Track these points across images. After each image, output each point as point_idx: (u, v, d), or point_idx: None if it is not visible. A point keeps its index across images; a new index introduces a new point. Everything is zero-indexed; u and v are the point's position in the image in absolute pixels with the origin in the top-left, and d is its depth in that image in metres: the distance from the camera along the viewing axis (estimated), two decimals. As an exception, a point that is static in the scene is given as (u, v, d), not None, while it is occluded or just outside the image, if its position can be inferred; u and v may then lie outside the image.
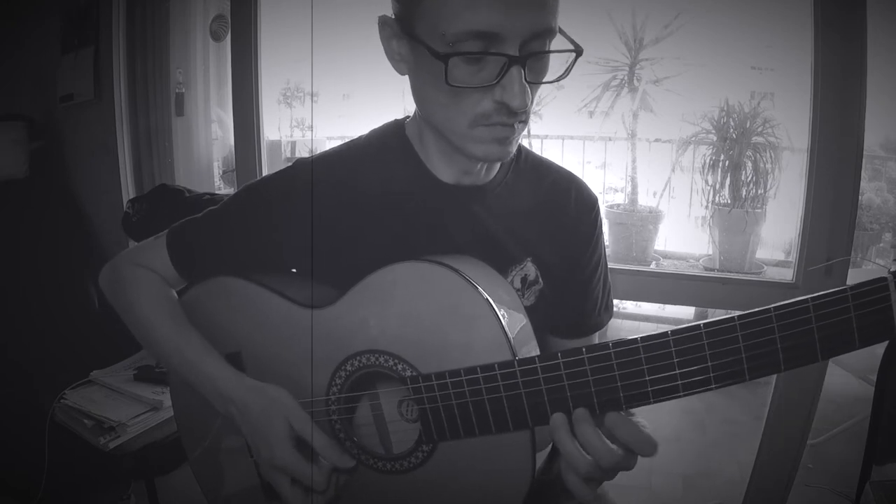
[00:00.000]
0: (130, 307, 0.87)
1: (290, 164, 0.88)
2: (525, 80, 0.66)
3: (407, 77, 0.76)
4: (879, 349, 1.34)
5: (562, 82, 0.73)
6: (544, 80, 0.71)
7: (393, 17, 0.72)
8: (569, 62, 0.70)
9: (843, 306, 0.55)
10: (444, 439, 0.72)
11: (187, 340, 0.83)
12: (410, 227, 0.82)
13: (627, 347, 0.62)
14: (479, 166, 0.82)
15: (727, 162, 2.88)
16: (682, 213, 3.23)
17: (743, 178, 2.87)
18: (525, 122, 0.72)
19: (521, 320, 0.75)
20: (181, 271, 0.88)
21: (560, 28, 0.68)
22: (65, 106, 2.33)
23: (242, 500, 0.89)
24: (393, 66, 0.75)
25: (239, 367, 0.84)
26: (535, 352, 0.75)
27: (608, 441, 0.61)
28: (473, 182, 0.83)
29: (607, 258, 0.96)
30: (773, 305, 0.57)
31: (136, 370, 1.66)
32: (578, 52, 0.68)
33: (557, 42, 0.69)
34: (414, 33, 0.68)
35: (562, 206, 0.88)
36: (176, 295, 0.90)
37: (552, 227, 0.87)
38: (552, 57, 0.70)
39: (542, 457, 0.74)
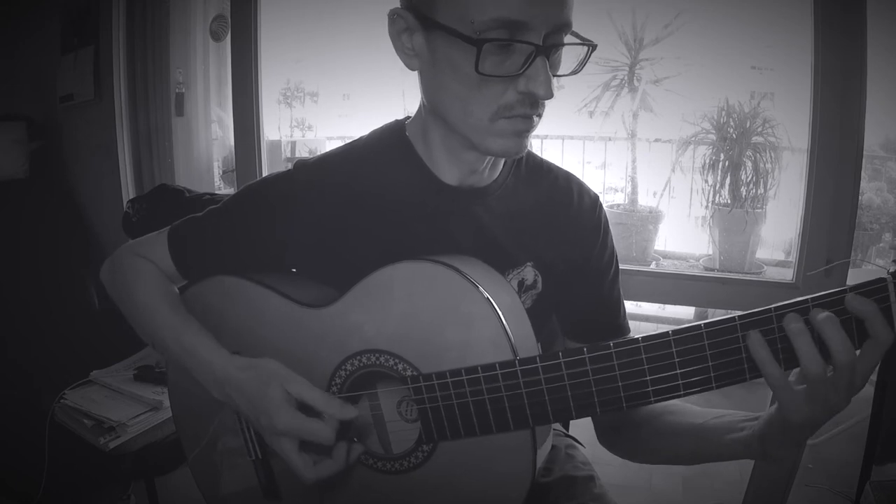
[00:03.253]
0: (129, 295, 0.87)
1: (290, 164, 0.87)
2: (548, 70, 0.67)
3: (407, 77, 0.76)
4: (879, 349, 1.34)
5: (561, 82, 0.74)
6: (559, 73, 0.72)
7: (404, 8, 0.72)
8: (580, 57, 0.71)
9: (843, 307, 0.55)
10: (444, 439, 0.72)
11: (185, 327, 0.82)
12: (411, 227, 0.82)
13: (628, 347, 0.62)
14: (484, 165, 0.81)
15: (727, 162, 2.88)
16: (682, 213, 3.23)
17: (743, 178, 2.87)
18: (541, 115, 0.72)
19: (522, 321, 0.74)
20: (181, 268, 0.88)
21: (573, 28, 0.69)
22: (65, 106, 2.33)
23: (241, 500, 0.89)
24: (404, 61, 0.74)
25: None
26: (536, 352, 0.75)
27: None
28: (476, 183, 0.83)
29: None
30: (773, 305, 0.57)
31: (136, 370, 1.66)
32: (593, 46, 0.70)
33: (572, 41, 0.70)
34: (435, 20, 0.67)
35: (564, 205, 0.88)
36: (174, 286, 0.89)
37: (555, 227, 0.87)
38: (563, 54, 0.71)
39: (541, 457, 0.74)
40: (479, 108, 0.70)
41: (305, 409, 0.72)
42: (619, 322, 0.92)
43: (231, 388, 0.76)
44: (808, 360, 0.57)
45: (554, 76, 0.70)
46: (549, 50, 0.66)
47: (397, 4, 0.74)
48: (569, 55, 0.71)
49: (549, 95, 0.67)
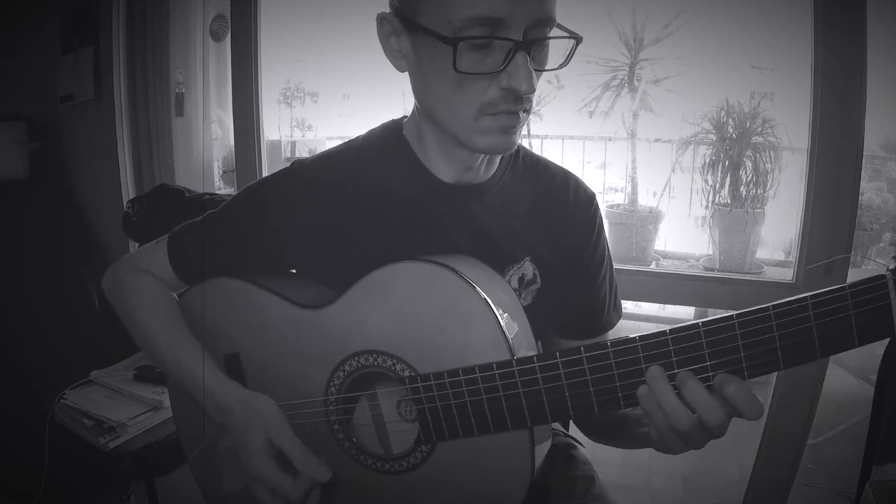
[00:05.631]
0: (131, 313, 0.88)
1: (289, 164, 0.88)
2: (530, 65, 0.66)
3: (406, 76, 0.76)
4: (879, 349, 1.34)
5: (562, 82, 0.74)
6: (545, 68, 0.72)
7: (391, 12, 0.72)
8: (568, 51, 0.71)
9: (841, 304, 0.55)
10: (442, 439, 0.72)
11: (185, 349, 0.83)
12: (408, 226, 0.82)
13: (625, 346, 0.62)
14: (478, 162, 0.82)
15: (727, 162, 2.88)
16: (682, 213, 3.23)
17: (743, 178, 2.87)
18: (528, 111, 0.72)
19: (520, 320, 0.75)
20: (181, 275, 0.88)
21: (558, 22, 0.68)
22: (65, 106, 2.33)
23: (241, 499, 0.89)
24: (392, 63, 0.75)
25: (237, 368, 0.84)
26: (534, 352, 0.75)
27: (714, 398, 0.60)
28: (472, 180, 0.83)
29: None
30: (771, 304, 0.57)
31: (136, 370, 1.66)
32: (578, 39, 0.70)
33: (555, 35, 0.69)
34: (417, 23, 0.68)
35: (561, 201, 0.88)
36: (177, 299, 0.90)
37: (552, 224, 0.87)
38: (551, 49, 0.71)
39: (540, 456, 0.74)
40: (464, 107, 0.70)
41: (283, 456, 0.73)
42: (601, 321, 0.92)
43: (228, 417, 0.78)
44: (676, 420, 0.60)
45: (540, 71, 0.70)
46: (529, 45, 0.66)
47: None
48: (559, 50, 0.71)
49: (531, 90, 0.67)
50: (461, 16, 0.64)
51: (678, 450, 0.64)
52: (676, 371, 0.61)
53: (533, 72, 0.67)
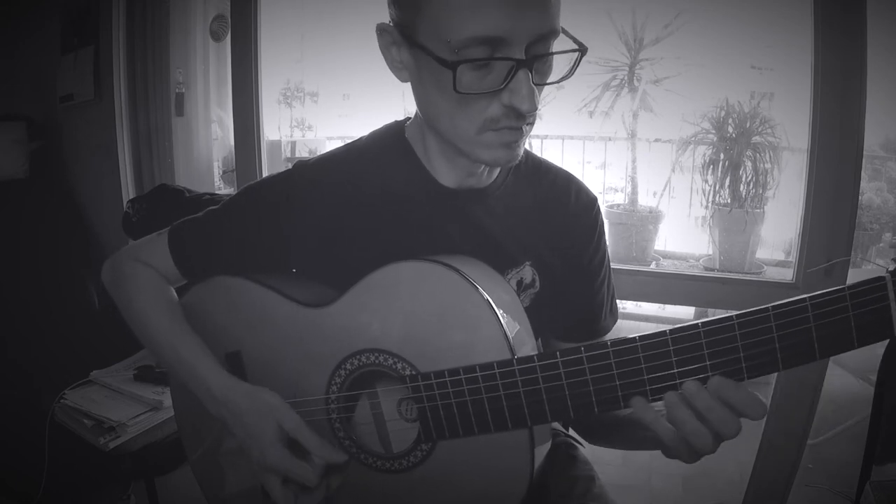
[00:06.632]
0: (129, 303, 0.87)
1: (290, 164, 0.87)
2: (532, 82, 0.65)
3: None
4: (880, 349, 1.34)
5: (562, 82, 0.73)
6: (549, 80, 0.71)
7: (391, 24, 0.72)
8: (572, 61, 0.70)
9: (840, 305, 0.55)
10: (442, 438, 0.72)
11: (183, 341, 0.83)
12: (410, 228, 0.82)
13: (625, 346, 0.62)
14: (481, 168, 0.81)
15: (727, 162, 2.88)
16: (682, 213, 3.23)
17: (743, 177, 2.87)
18: (532, 123, 0.72)
19: (521, 321, 0.75)
20: (182, 269, 0.88)
21: (563, 28, 0.67)
22: (65, 106, 2.33)
23: (242, 499, 0.89)
24: (394, 73, 0.74)
25: (239, 366, 0.84)
26: (534, 351, 0.75)
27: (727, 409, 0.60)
28: (475, 185, 0.83)
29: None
30: (770, 305, 0.57)
31: (136, 370, 1.66)
32: (583, 50, 0.68)
33: (560, 41, 0.68)
34: (416, 41, 0.67)
35: (562, 203, 0.88)
36: (175, 294, 0.89)
37: (553, 226, 0.87)
38: (555, 56, 0.70)
39: (540, 456, 0.74)
40: (465, 122, 0.69)
41: (296, 445, 0.74)
42: (598, 324, 0.92)
43: (228, 410, 0.77)
44: (696, 438, 0.61)
45: (544, 84, 0.69)
46: (531, 62, 0.65)
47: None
48: (564, 57, 0.69)
49: (533, 109, 0.66)
50: (460, 36, 0.63)
51: (690, 458, 0.65)
52: (680, 381, 0.61)
53: (535, 88, 0.66)
